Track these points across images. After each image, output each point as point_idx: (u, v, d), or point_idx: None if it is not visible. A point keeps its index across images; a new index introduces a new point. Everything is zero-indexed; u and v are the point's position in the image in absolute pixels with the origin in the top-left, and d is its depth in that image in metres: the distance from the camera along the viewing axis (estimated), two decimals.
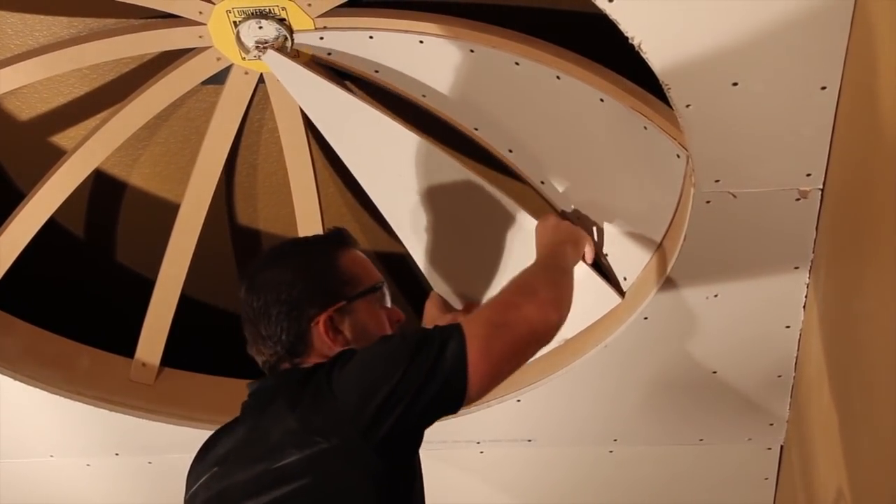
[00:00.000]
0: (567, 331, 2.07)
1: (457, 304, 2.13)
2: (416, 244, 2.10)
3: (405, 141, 1.95)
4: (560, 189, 1.98)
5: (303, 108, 1.98)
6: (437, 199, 2.02)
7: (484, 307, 1.54)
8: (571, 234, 1.86)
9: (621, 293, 2.02)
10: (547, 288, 1.57)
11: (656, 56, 1.47)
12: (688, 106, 1.53)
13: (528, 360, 1.51)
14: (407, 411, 1.40)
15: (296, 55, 1.92)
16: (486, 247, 2.04)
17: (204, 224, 2.16)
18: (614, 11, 1.43)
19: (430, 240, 2.08)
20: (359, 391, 1.41)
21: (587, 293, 2.04)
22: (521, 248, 1.97)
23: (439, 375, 1.41)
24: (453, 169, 1.97)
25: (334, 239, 1.68)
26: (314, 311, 1.57)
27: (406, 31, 1.84)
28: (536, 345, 1.51)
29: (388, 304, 1.66)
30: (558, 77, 1.78)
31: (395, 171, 2.01)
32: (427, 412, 1.44)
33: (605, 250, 2.00)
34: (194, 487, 1.54)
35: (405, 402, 1.40)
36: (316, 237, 1.68)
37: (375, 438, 1.40)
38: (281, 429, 1.44)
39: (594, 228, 1.97)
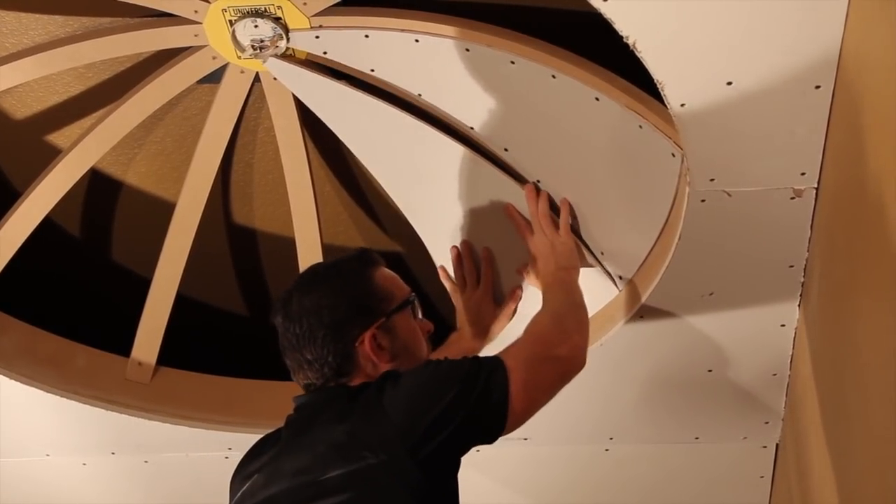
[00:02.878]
0: None
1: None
2: (429, 233, 2.12)
3: (416, 133, 1.96)
4: (556, 188, 1.99)
5: (315, 111, 1.99)
6: (448, 186, 2.03)
7: (523, 342, 1.61)
8: (572, 255, 1.88)
9: (617, 292, 2.03)
10: (578, 331, 1.67)
11: (651, 55, 1.48)
12: (682, 105, 1.53)
13: (555, 395, 1.60)
14: (453, 434, 1.47)
15: (291, 54, 1.92)
16: (497, 231, 2.05)
17: (200, 223, 2.16)
18: (609, 10, 1.43)
19: (443, 227, 2.09)
20: (409, 410, 1.47)
21: (584, 288, 2.05)
22: None
23: (486, 404, 1.49)
24: (465, 158, 1.97)
25: (363, 259, 1.72)
26: (357, 331, 1.62)
27: (401, 30, 1.84)
28: (565, 382, 1.61)
29: (420, 315, 1.72)
30: (554, 76, 1.79)
31: (406, 161, 2.03)
32: (470, 437, 1.52)
33: (599, 249, 2.01)
34: (238, 495, 1.59)
35: (453, 425, 1.47)
36: (345, 258, 1.73)
37: (421, 456, 1.45)
38: (328, 442, 1.49)
39: (580, 227, 1.99)
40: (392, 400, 1.48)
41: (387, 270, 1.72)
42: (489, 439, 1.52)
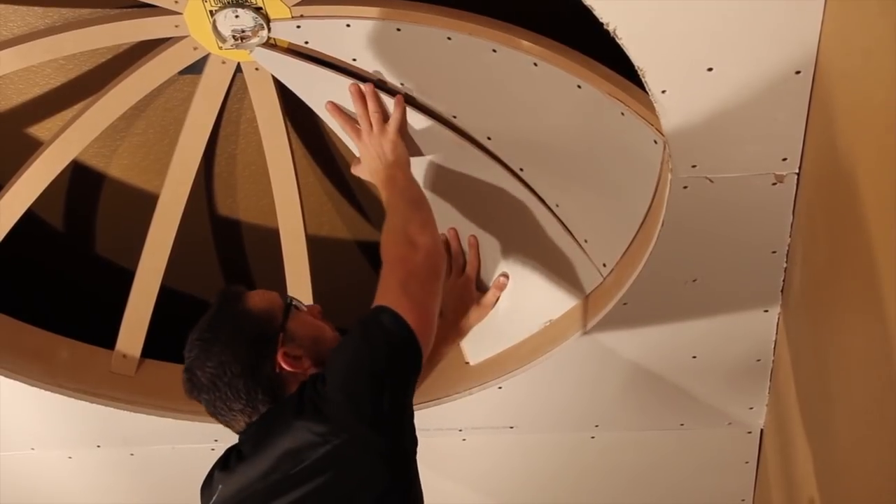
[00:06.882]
0: (552, 312, 2.09)
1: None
2: None
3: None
4: (539, 176, 1.99)
5: (304, 99, 1.98)
6: (435, 171, 2.03)
7: (385, 275, 1.67)
8: (396, 151, 1.89)
9: (601, 279, 2.03)
10: (422, 232, 1.73)
11: (631, 41, 1.48)
12: (663, 91, 1.53)
13: (441, 284, 1.70)
14: (391, 388, 1.53)
15: (273, 44, 1.91)
16: (485, 219, 2.06)
17: (183, 215, 2.15)
18: None
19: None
20: (345, 391, 1.52)
21: (568, 276, 2.06)
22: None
23: (394, 343, 1.55)
24: (452, 143, 1.97)
25: (228, 299, 1.69)
26: (269, 361, 1.63)
27: (383, 19, 1.84)
28: (440, 272, 1.71)
29: (304, 306, 1.73)
30: (535, 64, 1.79)
31: None
32: (404, 378, 1.57)
33: (583, 237, 2.01)
34: None
35: (384, 379, 1.53)
36: (211, 312, 1.69)
37: (381, 424, 1.51)
38: (290, 437, 1.53)
39: None
40: (328, 391, 1.52)
41: (253, 293, 1.70)
42: (418, 367, 1.58)
